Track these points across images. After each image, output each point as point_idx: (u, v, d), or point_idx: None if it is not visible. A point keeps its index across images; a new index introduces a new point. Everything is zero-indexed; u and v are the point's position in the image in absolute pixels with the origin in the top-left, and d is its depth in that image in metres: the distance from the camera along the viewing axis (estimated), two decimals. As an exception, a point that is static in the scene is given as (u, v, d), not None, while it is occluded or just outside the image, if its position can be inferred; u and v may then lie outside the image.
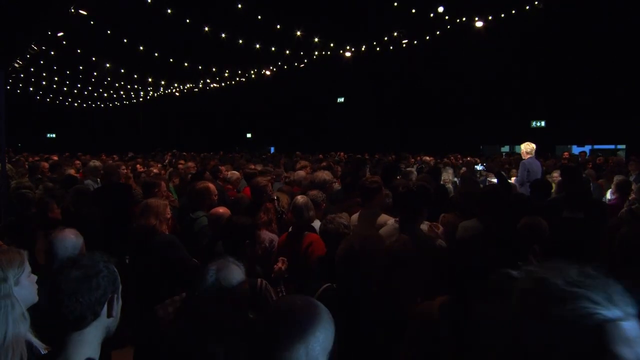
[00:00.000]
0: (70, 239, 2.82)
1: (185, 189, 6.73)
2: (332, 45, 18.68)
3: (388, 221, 3.87)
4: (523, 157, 7.33)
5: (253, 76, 25.34)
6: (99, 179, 7.13)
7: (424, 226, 3.56)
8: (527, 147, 7.16)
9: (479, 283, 2.21)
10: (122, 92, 29.77)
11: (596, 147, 23.37)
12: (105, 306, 1.54)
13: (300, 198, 3.89)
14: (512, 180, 7.62)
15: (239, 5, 14.75)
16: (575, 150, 22.15)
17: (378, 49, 19.29)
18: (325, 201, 4.37)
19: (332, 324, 1.22)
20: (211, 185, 4.70)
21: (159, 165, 11.75)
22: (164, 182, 6.95)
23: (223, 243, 2.83)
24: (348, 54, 19.33)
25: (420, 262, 2.58)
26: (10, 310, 1.68)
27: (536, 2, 15.30)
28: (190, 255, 3.61)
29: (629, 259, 2.54)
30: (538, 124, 25.40)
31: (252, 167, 8.35)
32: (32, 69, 21.40)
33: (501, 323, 1.21)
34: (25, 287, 1.83)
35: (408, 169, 8.50)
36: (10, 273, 1.76)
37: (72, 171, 8.67)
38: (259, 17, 15.98)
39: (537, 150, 7.35)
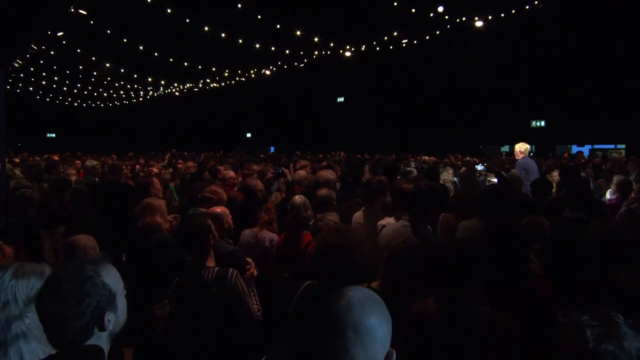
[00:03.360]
0: (84, 240, 2.81)
1: (186, 189, 6.75)
2: (332, 44, 18.67)
3: (388, 221, 3.87)
4: (517, 157, 7.40)
5: (253, 76, 25.33)
6: (97, 178, 7.13)
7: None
8: (522, 147, 7.29)
9: (472, 280, 2.24)
10: (122, 92, 29.76)
11: (596, 146, 23.38)
12: (97, 324, 1.45)
13: (298, 198, 3.89)
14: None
15: (239, 5, 14.74)
16: (575, 150, 22.15)
17: (378, 48, 19.28)
18: (335, 199, 4.39)
19: (389, 319, 1.22)
20: (221, 191, 4.66)
21: (159, 164, 11.76)
22: (167, 181, 6.99)
23: (185, 244, 2.84)
24: (348, 54, 19.32)
25: (419, 262, 2.60)
26: (23, 342, 1.60)
27: (536, 2, 15.30)
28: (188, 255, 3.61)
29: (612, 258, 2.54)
30: (538, 124, 25.41)
31: (255, 167, 8.35)
32: (32, 69, 21.38)
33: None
34: (37, 316, 1.67)
35: (408, 168, 8.50)
36: (30, 306, 1.63)
37: (73, 171, 8.67)
38: (259, 17, 15.98)
39: (537, 150, 7.40)
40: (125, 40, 17.70)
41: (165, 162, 13.43)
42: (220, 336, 2.65)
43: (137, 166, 10.94)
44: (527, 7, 15.51)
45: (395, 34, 17.53)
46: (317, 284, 2.46)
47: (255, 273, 3.24)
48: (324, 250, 2.38)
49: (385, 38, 18.14)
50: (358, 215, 4.36)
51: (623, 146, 23.00)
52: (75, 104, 33.20)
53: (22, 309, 1.63)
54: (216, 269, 2.74)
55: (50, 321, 1.42)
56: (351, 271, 2.38)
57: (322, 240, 2.45)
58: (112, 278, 1.53)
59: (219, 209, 3.86)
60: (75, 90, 28.03)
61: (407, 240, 2.66)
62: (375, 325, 1.15)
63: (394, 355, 1.20)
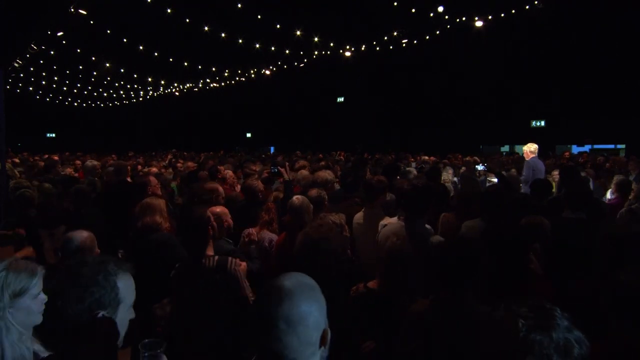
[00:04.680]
0: (84, 236, 2.81)
1: (186, 188, 6.76)
2: (332, 45, 18.67)
3: (389, 221, 3.87)
4: (526, 157, 7.41)
5: (253, 76, 25.32)
6: (97, 178, 7.13)
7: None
8: (531, 147, 7.30)
9: (472, 280, 2.24)
10: (122, 92, 29.75)
11: (596, 146, 23.37)
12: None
13: (296, 199, 3.88)
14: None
15: (239, 5, 14.73)
16: (575, 150, 22.14)
17: (378, 48, 19.27)
18: (327, 199, 4.37)
19: (320, 303, 1.27)
20: (220, 188, 4.68)
21: (160, 164, 11.76)
22: (169, 181, 7.00)
23: (187, 235, 3.08)
24: (348, 54, 19.31)
25: (418, 261, 2.61)
26: (4, 334, 1.59)
27: (536, 2, 15.29)
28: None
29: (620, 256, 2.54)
30: (538, 124, 25.40)
31: (253, 167, 8.35)
32: (32, 69, 21.37)
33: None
34: (23, 309, 1.67)
35: (408, 168, 8.50)
36: (15, 301, 1.63)
37: (70, 170, 8.67)
38: (259, 17, 15.97)
39: (538, 151, 7.45)
40: (125, 40, 17.70)
41: (167, 162, 13.47)
42: (222, 319, 2.84)
43: (139, 166, 10.95)
44: (527, 7, 15.50)
45: (395, 34, 17.52)
46: None
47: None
48: (305, 245, 2.51)
49: (385, 38, 18.13)
50: (359, 216, 4.35)
51: (623, 146, 23.00)
52: (75, 104, 33.19)
53: (7, 302, 1.63)
54: (216, 257, 2.97)
55: (55, 296, 1.46)
56: (331, 262, 2.50)
57: (304, 236, 2.57)
58: (125, 286, 1.56)
59: (218, 209, 3.88)
60: (75, 90, 28.02)
61: (403, 239, 2.67)
62: (305, 312, 1.20)
63: (329, 334, 1.27)
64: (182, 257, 3.54)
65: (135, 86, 27.80)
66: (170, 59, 20.32)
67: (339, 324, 2.36)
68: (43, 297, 1.74)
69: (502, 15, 16.09)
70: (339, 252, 2.60)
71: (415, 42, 18.52)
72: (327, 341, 1.26)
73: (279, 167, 5.73)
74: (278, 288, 1.24)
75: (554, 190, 6.51)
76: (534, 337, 1.18)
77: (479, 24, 15.85)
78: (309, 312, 1.21)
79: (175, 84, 28.93)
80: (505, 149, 26.94)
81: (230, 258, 2.98)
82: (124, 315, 1.56)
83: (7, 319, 1.62)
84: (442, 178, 7.43)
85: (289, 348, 1.18)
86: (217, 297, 2.84)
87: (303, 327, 1.19)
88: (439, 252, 2.41)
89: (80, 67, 22.46)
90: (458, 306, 2.18)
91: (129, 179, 6.64)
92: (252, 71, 24.68)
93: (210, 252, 3.03)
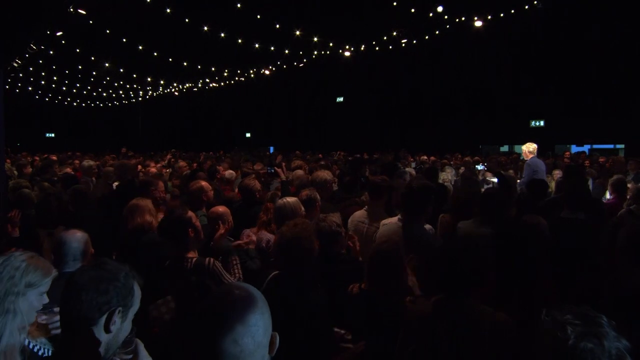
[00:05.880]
0: (78, 237, 2.82)
1: (185, 187, 6.76)
2: (331, 44, 18.66)
3: (390, 220, 3.86)
4: (525, 157, 7.35)
5: (252, 76, 25.31)
6: (93, 178, 7.12)
7: None
8: (530, 147, 7.21)
9: (471, 281, 2.23)
10: (121, 92, 29.71)
11: (595, 146, 23.34)
12: (105, 318, 1.48)
13: (280, 201, 3.87)
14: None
15: (239, 5, 14.72)
16: (574, 149, 22.12)
17: (377, 48, 19.26)
18: (319, 200, 4.35)
19: (268, 310, 1.34)
20: (204, 184, 4.71)
21: (160, 165, 11.76)
22: (165, 181, 6.98)
23: (164, 234, 3.08)
24: (347, 54, 19.29)
25: (406, 261, 2.64)
26: (11, 318, 1.65)
27: (535, 2, 15.29)
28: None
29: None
30: (537, 123, 25.37)
31: (251, 167, 8.35)
32: (31, 69, 21.35)
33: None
34: (27, 302, 1.72)
35: (407, 169, 8.49)
36: (21, 283, 1.70)
37: (69, 170, 8.66)
38: (259, 16, 15.95)
39: (537, 150, 7.40)
40: (125, 40, 17.68)
41: (166, 162, 13.47)
42: None
43: (139, 166, 10.94)
44: (527, 7, 15.50)
45: (394, 33, 17.51)
46: (281, 272, 2.64)
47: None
48: (281, 242, 2.60)
49: (385, 38, 18.12)
50: (360, 215, 4.33)
51: (622, 146, 22.98)
52: (75, 104, 33.15)
53: (22, 289, 1.70)
54: (194, 259, 2.95)
55: (79, 285, 1.49)
56: (304, 258, 2.58)
57: (280, 234, 2.66)
58: (137, 292, 1.64)
59: (221, 209, 3.89)
60: (75, 90, 27.99)
61: (389, 241, 2.69)
62: (258, 316, 1.29)
63: (277, 337, 1.36)
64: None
65: (135, 86, 27.78)
66: (170, 59, 20.30)
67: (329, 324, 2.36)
68: (45, 300, 1.79)
69: (502, 15, 16.08)
70: (313, 251, 2.65)
71: (414, 42, 18.51)
72: (275, 347, 1.34)
73: (275, 168, 5.73)
74: (230, 295, 1.31)
75: (551, 189, 6.50)
76: (585, 346, 1.13)
77: (478, 24, 15.83)
78: (261, 316, 1.30)
79: (175, 84, 28.90)
80: (505, 148, 26.92)
81: (208, 259, 2.95)
82: (129, 323, 1.58)
83: (18, 305, 1.68)
84: (442, 178, 7.42)
85: (245, 351, 1.23)
86: (193, 298, 2.84)
87: (256, 327, 1.27)
88: (439, 253, 2.41)
89: (80, 67, 22.44)
90: (459, 307, 2.17)
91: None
92: (251, 71, 24.65)
93: (191, 254, 3.00)
